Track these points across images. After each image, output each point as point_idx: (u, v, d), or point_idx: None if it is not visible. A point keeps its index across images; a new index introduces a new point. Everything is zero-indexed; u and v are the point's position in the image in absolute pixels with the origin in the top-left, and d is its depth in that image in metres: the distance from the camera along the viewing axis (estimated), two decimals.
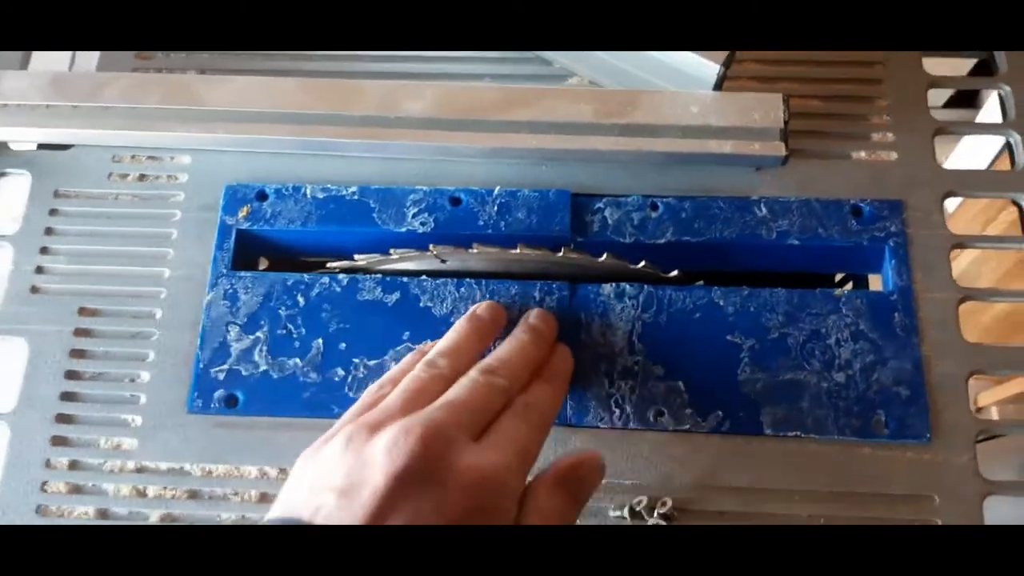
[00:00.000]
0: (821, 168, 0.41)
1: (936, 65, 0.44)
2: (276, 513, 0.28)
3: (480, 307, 0.37)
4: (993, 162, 0.73)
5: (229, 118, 0.38)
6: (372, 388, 0.33)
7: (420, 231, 0.41)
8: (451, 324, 0.39)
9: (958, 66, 0.46)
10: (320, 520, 0.26)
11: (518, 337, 0.36)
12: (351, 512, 0.26)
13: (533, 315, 0.37)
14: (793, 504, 0.36)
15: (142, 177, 0.43)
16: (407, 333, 0.39)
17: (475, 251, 0.39)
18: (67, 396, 0.39)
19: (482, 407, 0.31)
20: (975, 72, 0.48)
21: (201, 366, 0.39)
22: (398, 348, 0.39)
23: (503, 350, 0.34)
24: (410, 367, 0.33)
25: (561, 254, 0.38)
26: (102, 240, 0.42)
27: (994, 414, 1.09)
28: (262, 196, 0.42)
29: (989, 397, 1.08)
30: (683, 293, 0.39)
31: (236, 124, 0.38)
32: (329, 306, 0.40)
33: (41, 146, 0.43)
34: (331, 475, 0.28)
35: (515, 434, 0.30)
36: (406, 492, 0.26)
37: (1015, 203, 0.41)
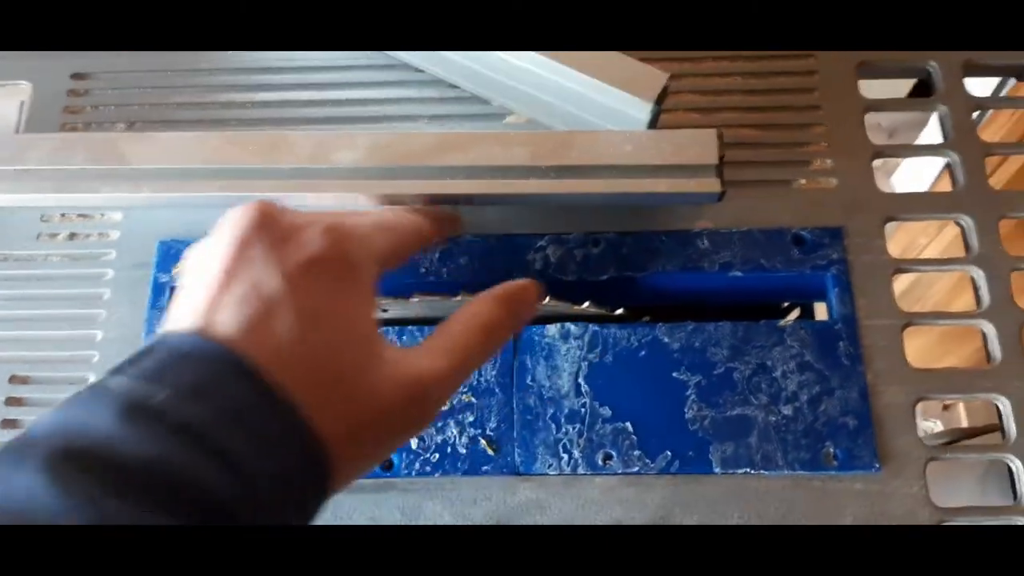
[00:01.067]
0: (762, 197, 0.41)
1: (873, 87, 0.44)
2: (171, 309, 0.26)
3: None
4: (940, 175, 0.74)
5: (156, 176, 0.37)
6: None
7: None
8: None
9: (896, 87, 0.46)
10: (182, 324, 0.24)
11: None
12: (199, 300, 0.24)
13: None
14: None
15: (72, 236, 0.42)
16: None
17: (416, 300, 0.38)
18: None
19: (340, 212, 0.29)
20: (914, 92, 0.48)
21: None
22: None
23: None
24: None
25: None
26: (32, 304, 0.41)
27: (962, 414, 1.10)
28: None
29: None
30: (628, 331, 0.39)
31: (164, 182, 0.37)
32: None
33: None
34: (190, 276, 0.26)
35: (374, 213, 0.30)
36: (243, 256, 0.25)
37: (957, 223, 0.42)
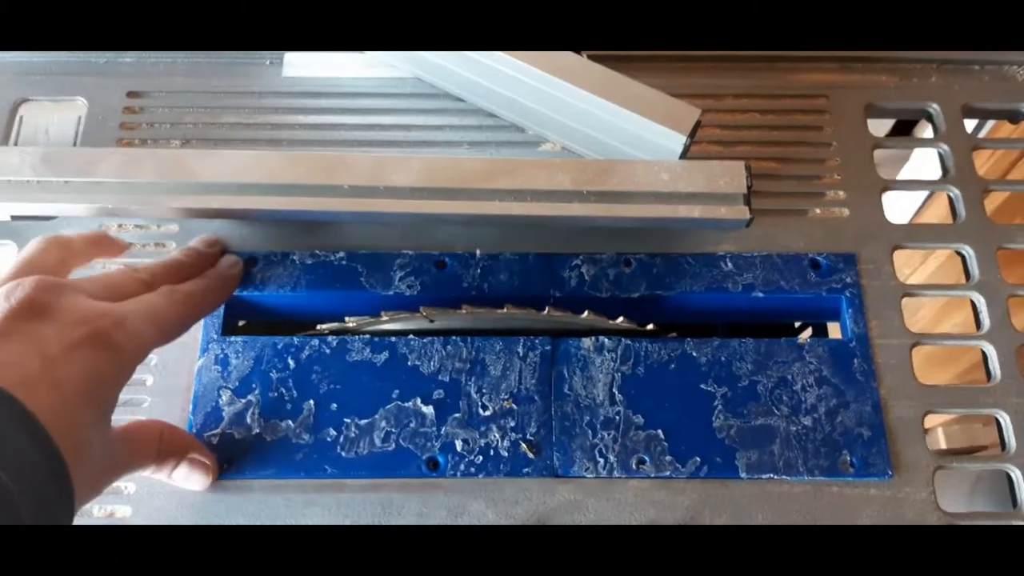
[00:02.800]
0: (780, 225, 0.44)
1: (880, 126, 0.48)
2: None
3: (194, 241, 0.43)
4: (925, 205, 0.79)
5: (221, 190, 0.39)
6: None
7: (407, 294, 0.43)
8: (439, 381, 0.41)
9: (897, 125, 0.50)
10: None
11: (171, 254, 0.41)
12: None
13: (194, 240, 0.42)
14: None
15: (130, 246, 0.44)
16: (396, 391, 0.41)
17: (464, 311, 0.41)
18: None
19: (115, 283, 0.34)
20: (894, 131, 0.53)
21: (194, 431, 0.40)
22: (387, 407, 0.40)
23: (153, 262, 0.39)
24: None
25: (546, 313, 0.40)
26: None
27: (940, 437, 1.13)
28: (251, 262, 0.43)
29: (934, 419, 1.12)
30: (658, 345, 0.41)
31: (229, 196, 0.39)
32: (319, 368, 0.41)
33: (16, 217, 0.44)
34: None
35: (146, 299, 0.34)
36: (20, 325, 0.29)
37: (959, 252, 0.45)
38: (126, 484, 0.39)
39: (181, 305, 0.35)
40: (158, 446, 0.36)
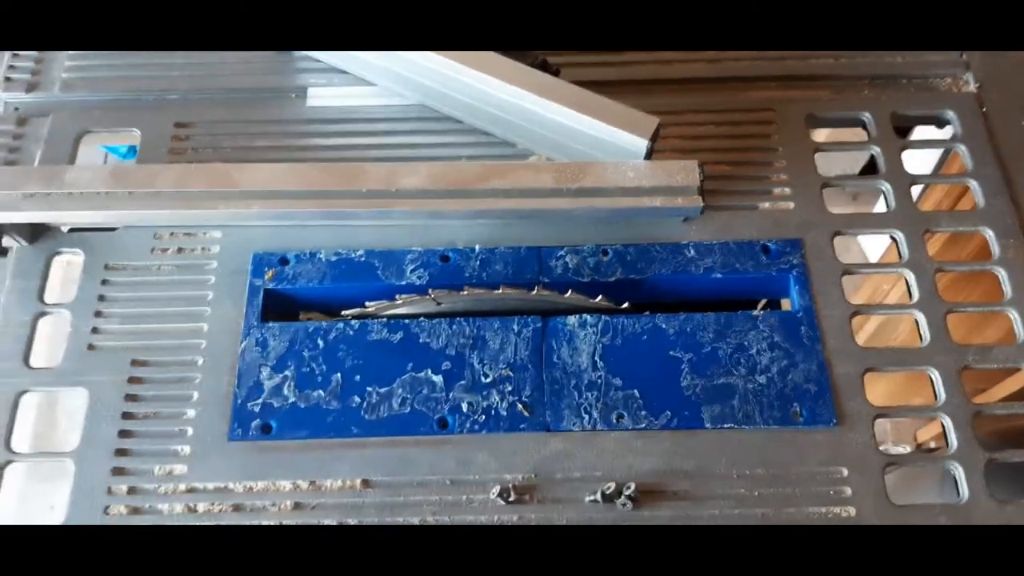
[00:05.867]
0: (734, 217, 0.52)
1: (820, 135, 0.55)
2: None
3: None
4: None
5: (262, 196, 0.47)
6: None
7: (417, 283, 0.50)
8: (446, 355, 0.48)
9: (839, 134, 0.57)
10: None
11: None
12: None
13: None
14: (732, 482, 0.44)
15: (180, 251, 0.52)
16: (410, 364, 0.47)
17: (466, 293, 0.48)
18: (124, 433, 0.46)
19: None
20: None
21: (239, 401, 0.47)
22: (403, 377, 0.47)
23: None
24: None
25: (535, 293, 0.48)
26: (148, 303, 0.50)
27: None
28: (284, 261, 0.51)
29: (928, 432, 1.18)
30: (633, 320, 0.48)
31: (268, 201, 0.47)
32: (345, 346, 0.48)
33: (74, 229, 0.51)
34: None
35: None
36: None
37: (891, 237, 0.52)
38: (182, 446, 0.46)
39: None
40: None
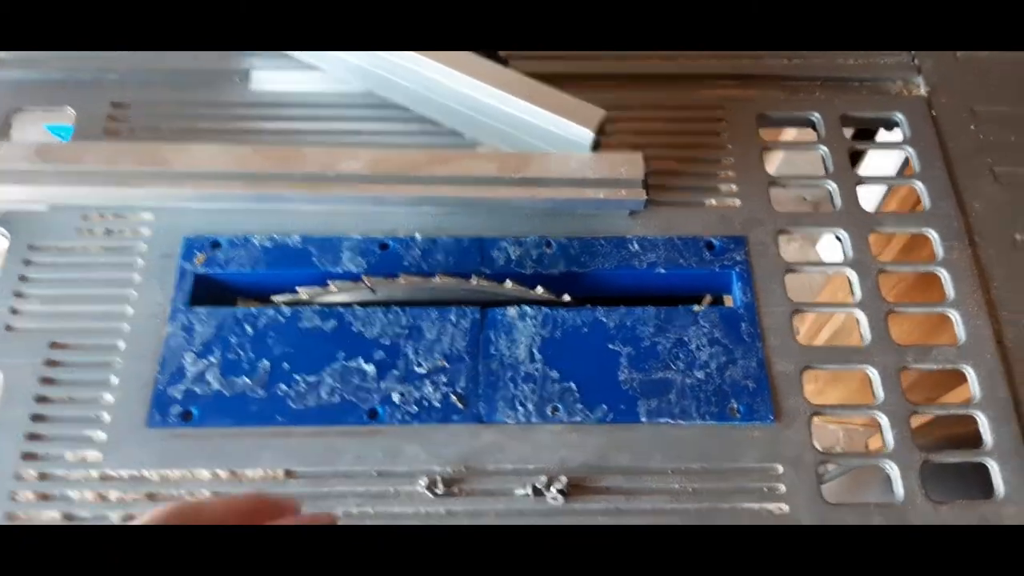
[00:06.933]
0: (680, 213, 0.51)
1: (768, 134, 0.55)
2: None
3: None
4: None
5: (193, 178, 0.46)
6: None
7: (354, 271, 0.49)
8: (380, 344, 0.46)
9: (788, 133, 0.57)
10: None
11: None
12: None
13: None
14: (666, 477, 0.43)
15: (108, 232, 0.50)
16: (341, 353, 0.46)
17: (401, 280, 0.47)
18: (37, 418, 0.44)
19: None
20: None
21: (160, 387, 0.45)
22: (333, 365, 0.46)
23: None
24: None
25: (473, 282, 0.47)
26: (71, 285, 0.48)
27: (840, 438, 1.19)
28: (216, 245, 0.49)
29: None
30: (573, 313, 0.47)
31: (200, 182, 0.45)
32: (274, 334, 0.47)
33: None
34: None
35: None
36: None
37: (836, 237, 0.52)
38: (97, 432, 0.44)
39: None
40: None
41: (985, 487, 0.44)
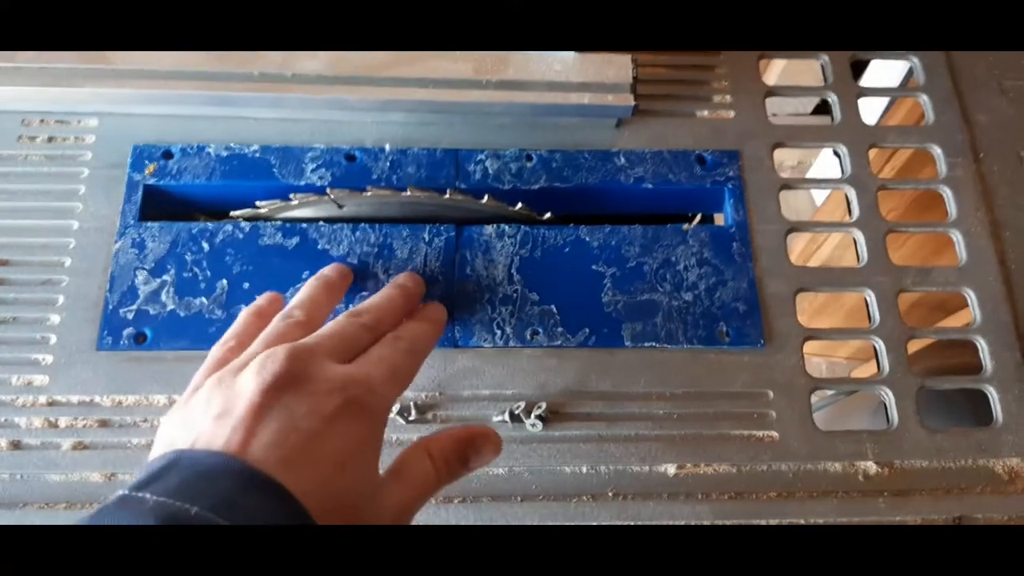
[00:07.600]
0: (670, 125, 0.48)
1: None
2: (155, 452, 0.29)
3: (327, 268, 0.40)
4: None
5: (138, 76, 0.41)
6: (217, 346, 0.34)
7: (318, 184, 0.45)
8: (348, 263, 0.43)
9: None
10: (200, 445, 0.27)
11: (385, 290, 0.38)
12: (227, 427, 0.27)
13: (401, 276, 0.41)
14: (650, 403, 0.41)
15: (50, 139, 0.46)
16: (306, 273, 0.43)
17: (369, 194, 0.43)
18: None
19: (348, 337, 0.33)
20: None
21: (110, 308, 0.42)
22: (297, 286, 0.42)
23: (369, 300, 0.37)
24: (245, 326, 0.35)
25: (447, 196, 0.43)
26: (11, 197, 0.44)
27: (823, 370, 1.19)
28: (168, 155, 0.45)
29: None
30: (554, 231, 0.44)
31: (145, 80, 0.41)
32: (233, 251, 0.43)
33: None
34: (205, 409, 0.29)
35: (381, 355, 0.32)
36: (278, 397, 0.28)
37: (835, 152, 0.49)
38: (43, 355, 0.41)
39: (410, 356, 0.34)
40: (434, 465, 0.32)
41: (979, 421, 0.42)
